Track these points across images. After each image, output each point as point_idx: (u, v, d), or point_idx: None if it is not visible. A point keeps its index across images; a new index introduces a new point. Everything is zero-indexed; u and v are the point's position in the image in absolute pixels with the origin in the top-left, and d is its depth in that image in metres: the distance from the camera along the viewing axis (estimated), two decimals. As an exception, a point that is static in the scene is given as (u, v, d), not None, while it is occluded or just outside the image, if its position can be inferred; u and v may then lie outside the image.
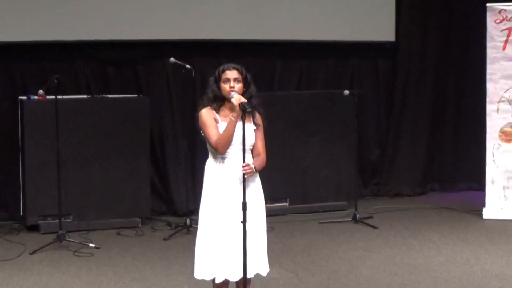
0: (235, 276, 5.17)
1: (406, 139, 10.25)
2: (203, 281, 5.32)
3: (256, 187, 5.26)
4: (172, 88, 9.10)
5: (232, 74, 5.18)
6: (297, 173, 9.19)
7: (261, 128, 5.30)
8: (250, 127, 5.19)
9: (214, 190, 5.20)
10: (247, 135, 5.08)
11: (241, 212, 4.99)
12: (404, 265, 7.13)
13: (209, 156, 5.28)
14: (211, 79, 5.28)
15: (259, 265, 5.28)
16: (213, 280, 5.27)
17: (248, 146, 5.14)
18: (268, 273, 5.39)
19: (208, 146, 5.25)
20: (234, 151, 5.15)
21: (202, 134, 5.24)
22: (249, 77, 5.27)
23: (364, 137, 9.75)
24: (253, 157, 5.23)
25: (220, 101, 5.21)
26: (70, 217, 8.21)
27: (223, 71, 5.20)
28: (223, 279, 5.21)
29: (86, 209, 8.30)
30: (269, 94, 8.92)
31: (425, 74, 10.25)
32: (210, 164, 5.26)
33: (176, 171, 9.08)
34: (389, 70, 10.21)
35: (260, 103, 5.32)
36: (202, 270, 5.25)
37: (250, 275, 5.19)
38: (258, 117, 5.29)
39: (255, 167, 5.13)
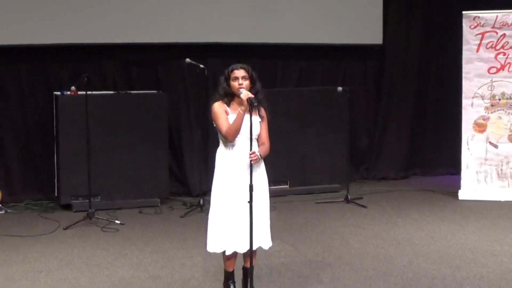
0: (243, 248, 5.19)
1: (391, 129, 10.23)
2: (214, 253, 5.34)
3: (261, 171, 5.27)
4: (187, 85, 9.09)
5: (240, 73, 5.18)
6: (297, 159, 9.18)
7: (266, 120, 5.30)
8: (256, 119, 5.20)
9: (224, 174, 5.21)
10: (254, 126, 5.09)
11: (248, 193, 5.00)
12: (390, 239, 7.14)
13: (220, 144, 5.29)
14: (222, 77, 5.28)
15: (263, 239, 5.30)
16: (223, 252, 5.30)
17: (254, 136, 5.14)
18: (271, 246, 5.41)
19: (219, 135, 5.25)
20: (242, 140, 5.16)
21: (214, 125, 5.24)
22: (255, 75, 5.26)
23: (355, 128, 9.73)
24: (258, 146, 5.24)
25: (229, 96, 5.22)
26: (99, 197, 8.23)
27: (232, 70, 5.20)
28: (233, 251, 5.24)
29: (113, 190, 8.32)
30: (272, 90, 8.87)
31: (409, 73, 10.22)
32: (221, 151, 5.27)
33: (191, 157, 9.08)
34: (377, 69, 10.17)
35: (265, 98, 5.32)
36: (214, 244, 5.27)
37: (255, 247, 5.21)
38: (263, 110, 5.29)
39: (260, 154, 5.14)
